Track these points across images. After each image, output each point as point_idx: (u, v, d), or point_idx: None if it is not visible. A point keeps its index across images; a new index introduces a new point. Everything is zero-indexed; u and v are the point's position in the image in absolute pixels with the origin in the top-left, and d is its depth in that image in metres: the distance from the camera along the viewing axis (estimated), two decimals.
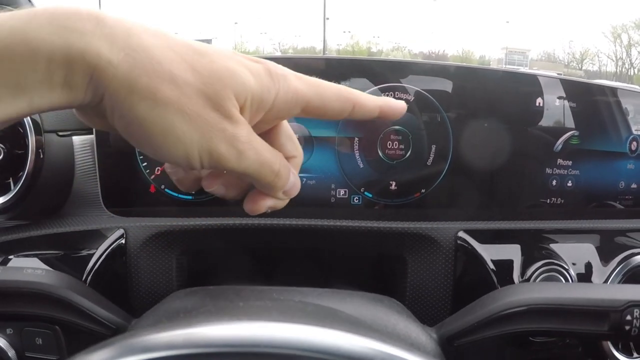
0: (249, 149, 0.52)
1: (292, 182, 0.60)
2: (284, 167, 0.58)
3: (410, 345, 0.72)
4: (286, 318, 0.48)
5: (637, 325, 0.72)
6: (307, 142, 1.14)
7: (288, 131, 0.64)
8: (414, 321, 0.81)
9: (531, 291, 0.79)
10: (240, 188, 0.62)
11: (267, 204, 0.62)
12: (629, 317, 0.72)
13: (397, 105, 0.65)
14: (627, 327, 0.72)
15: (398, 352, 0.46)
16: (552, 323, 0.76)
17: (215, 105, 0.50)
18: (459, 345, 0.79)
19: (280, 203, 0.63)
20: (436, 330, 0.82)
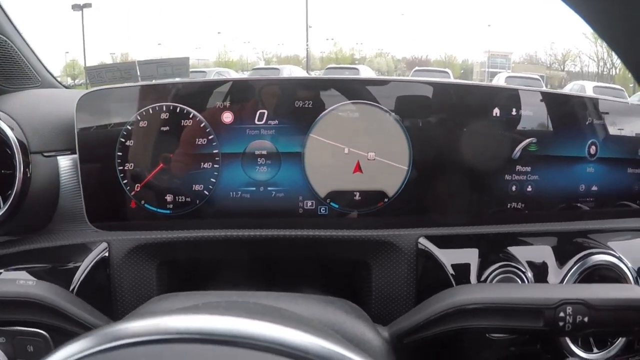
0: None
1: None
2: None
3: (355, 342, 0.78)
4: (232, 313, 0.54)
5: (570, 321, 0.79)
6: (275, 158, 1.20)
7: None
8: (364, 321, 0.86)
9: (472, 292, 0.86)
10: None
11: None
12: (562, 314, 0.79)
13: None
14: (561, 323, 0.79)
15: (330, 345, 0.52)
16: (490, 321, 0.82)
17: None
18: (408, 342, 0.86)
19: None
20: (388, 329, 0.88)
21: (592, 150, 1.31)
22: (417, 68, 21.95)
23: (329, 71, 20.03)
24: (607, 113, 1.32)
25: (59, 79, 1.59)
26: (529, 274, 1.18)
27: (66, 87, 1.61)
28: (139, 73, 1.96)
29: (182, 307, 0.73)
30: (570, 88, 17.57)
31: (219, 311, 0.55)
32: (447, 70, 20.59)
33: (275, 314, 0.70)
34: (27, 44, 1.44)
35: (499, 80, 17.41)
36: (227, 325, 0.52)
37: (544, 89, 1.60)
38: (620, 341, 1.15)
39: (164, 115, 1.19)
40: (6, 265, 1.17)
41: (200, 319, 0.53)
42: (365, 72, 19.95)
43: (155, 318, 0.53)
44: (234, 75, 20.13)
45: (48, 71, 1.54)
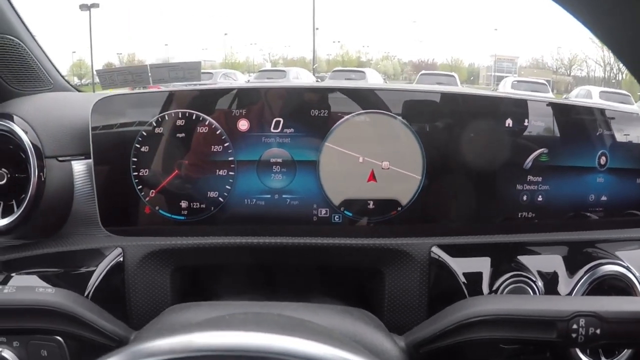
0: None
1: None
2: None
3: (374, 352, 0.79)
4: (259, 328, 0.55)
5: (583, 333, 0.80)
6: (290, 166, 1.21)
7: None
8: (381, 330, 0.88)
9: (487, 303, 0.87)
10: None
11: None
12: (575, 326, 0.79)
13: None
14: (574, 335, 0.80)
15: (350, 356, 0.53)
16: (505, 332, 0.83)
17: None
18: (424, 352, 0.86)
19: None
20: (404, 338, 0.89)
21: (602, 160, 1.31)
22: (423, 72, 21.84)
23: (335, 74, 19.95)
24: (617, 123, 1.33)
25: (66, 78, 1.60)
26: (540, 284, 1.18)
27: (76, 88, 1.62)
28: (150, 76, 1.97)
29: (209, 319, 0.74)
30: (577, 93, 17.53)
31: (248, 326, 0.56)
32: (453, 74, 20.52)
33: (301, 327, 0.71)
34: (39, 46, 1.44)
35: (506, 84, 17.39)
36: (261, 341, 0.53)
37: (555, 99, 1.59)
38: (628, 350, 1.15)
39: (179, 122, 1.20)
40: (19, 269, 1.17)
41: (232, 335, 0.54)
42: (372, 75, 19.87)
43: (186, 334, 0.54)
44: (240, 76, 20.14)
45: (60, 74, 1.54)
